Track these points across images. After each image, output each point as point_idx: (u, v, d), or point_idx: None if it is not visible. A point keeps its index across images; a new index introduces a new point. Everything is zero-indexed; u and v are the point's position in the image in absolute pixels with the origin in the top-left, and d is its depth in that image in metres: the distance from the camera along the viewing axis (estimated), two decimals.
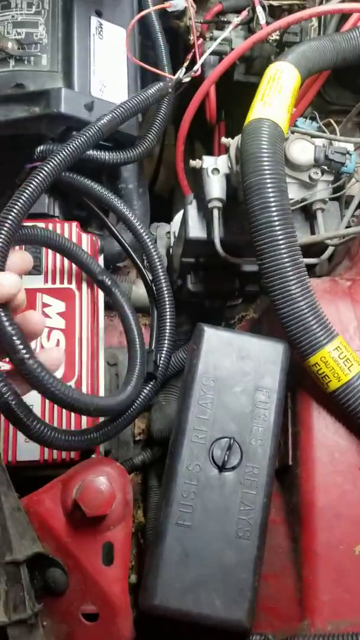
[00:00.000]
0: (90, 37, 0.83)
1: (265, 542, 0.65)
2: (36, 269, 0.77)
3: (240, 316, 1.12)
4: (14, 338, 0.54)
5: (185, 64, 1.10)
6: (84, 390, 0.74)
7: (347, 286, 0.82)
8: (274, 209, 0.70)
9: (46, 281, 0.77)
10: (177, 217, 1.08)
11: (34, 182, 0.63)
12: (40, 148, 0.78)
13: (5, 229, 0.57)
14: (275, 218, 0.70)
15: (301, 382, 0.74)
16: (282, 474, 0.77)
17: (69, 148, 0.68)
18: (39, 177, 0.63)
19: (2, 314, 0.54)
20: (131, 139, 0.83)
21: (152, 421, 0.98)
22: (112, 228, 0.90)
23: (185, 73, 1.04)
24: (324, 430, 0.73)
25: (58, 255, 0.78)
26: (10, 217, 0.58)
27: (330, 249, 0.86)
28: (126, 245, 0.90)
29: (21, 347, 0.54)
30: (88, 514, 0.62)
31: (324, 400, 0.73)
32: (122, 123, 0.76)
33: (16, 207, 0.59)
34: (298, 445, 0.74)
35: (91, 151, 0.80)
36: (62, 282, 0.77)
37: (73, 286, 0.77)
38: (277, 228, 0.70)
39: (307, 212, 0.89)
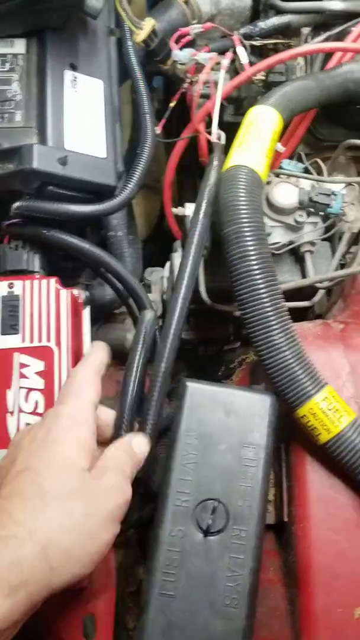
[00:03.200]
0: (65, 90, 0.82)
1: (255, 610, 0.62)
2: (13, 328, 0.75)
3: (240, 359, 1.09)
4: None
5: (172, 104, 1.10)
6: None
7: (340, 329, 0.79)
8: (253, 257, 0.68)
9: (23, 340, 0.75)
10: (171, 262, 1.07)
11: None
12: (17, 204, 0.77)
13: None
14: (255, 267, 0.68)
15: (294, 433, 0.71)
16: (278, 530, 0.73)
17: None
18: None
19: None
20: (110, 190, 0.82)
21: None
22: (105, 275, 0.89)
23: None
24: (318, 485, 0.69)
25: (35, 313, 0.76)
26: None
27: (321, 292, 0.83)
28: (120, 291, 0.88)
29: None
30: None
31: (317, 452, 0.69)
32: None
33: None
34: (293, 500, 0.70)
35: (72, 206, 0.79)
36: (40, 340, 0.75)
37: (52, 344, 0.75)
38: (258, 277, 0.68)
39: (297, 255, 0.87)
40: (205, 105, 0.98)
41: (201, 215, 0.76)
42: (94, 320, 0.88)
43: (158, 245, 1.44)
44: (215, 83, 1.05)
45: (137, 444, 0.65)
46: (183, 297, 0.72)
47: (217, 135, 0.86)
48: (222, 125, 1.16)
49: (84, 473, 0.59)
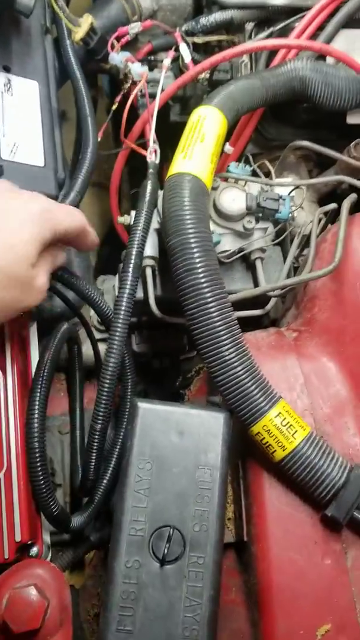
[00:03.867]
0: None
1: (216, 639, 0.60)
2: None
3: (197, 368, 1.07)
4: None
5: (114, 107, 1.07)
6: (14, 482, 0.68)
7: (293, 338, 0.78)
8: (200, 270, 0.66)
9: None
10: None
11: None
12: None
13: None
14: (203, 280, 0.65)
15: (250, 449, 0.69)
16: (239, 549, 0.72)
17: None
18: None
19: None
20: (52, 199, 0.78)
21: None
22: (54, 287, 0.84)
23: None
24: (276, 502, 0.67)
25: None
26: None
27: (273, 300, 0.81)
28: (70, 301, 0.84)
29: None
30: (15, 630, 0.56)
31: (274, 469, 0.67)
32: None
33: None
34: (251, 519, 0.68)
35: None
36: None
37: None
38: (206, 290, 0.65)
39: (247, 262, 0.85)
40: (142, 116, 0.95)
41: (136, 240, 0.75)
42: (46, 334, 0.84)
43: (115, 246, 1.41)
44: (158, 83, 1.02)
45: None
46: (123, 321, 0.72)
47: (152, 149, 0.83)
48: (168, 125, 1.14)
49: None
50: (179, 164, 0.73)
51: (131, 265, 0.73)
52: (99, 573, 0.95)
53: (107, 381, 0.70)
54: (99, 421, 0.70)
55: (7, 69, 0.80)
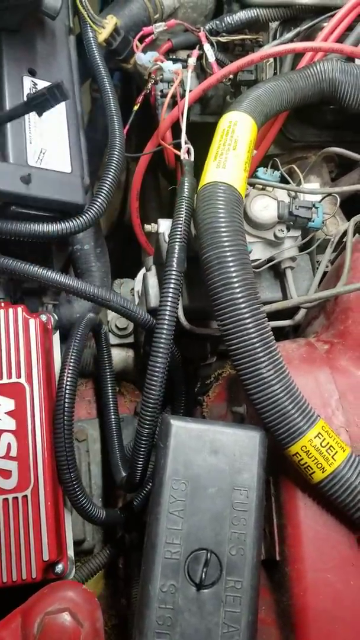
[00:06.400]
0: (24, 99, 0.75)
1: None
2: None
3: (216, 374, 1.06)
4: None
5: (135, 108, 1.04)
6: (41, 500, 0.66)
7: (325, 351, 0.76)
8: (236, 285, 0.64)
9: None
10: (141, 274, 1.02)
11: None
12: None
13: None
14: (239, 295, 0.64)
15: (284, 468, 0.67)
16: (270, 568, 0.70)
17: None
18: None
19: None
20: (77, 208, 0.76)
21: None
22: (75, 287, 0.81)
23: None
24: (311, 523, 0.65)
25: (3, 347, 0.70)
26: None
27: (303, 311, 0.79)
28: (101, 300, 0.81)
29: None
30: None
31: (309, 488, 0.66)
32: None
33: None
34: (285, 539, 0.67)
35: (36, 226, 0.73)
36: (9, 376, 0.69)
37: (22, 380, 0.69)
38: (243, 306, 0.63)
39: (276, 270, 0.83)
40: (171, 114, 0.92)
41: (176, 253, 0.72)
42: (62, 340, 0.83)
43: (118, 240, 1.39)
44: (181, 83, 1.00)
45: None
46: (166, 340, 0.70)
47: (185, 149, 0.81)
48: (188, 125, 1.11)
49: None
50: (212, 173, 0.71)
51: (175, 260, 0.71)
52: (116, 584, 0.94)
53: (155, 386, 0.69)
54: (146, 426, 0.70)
55: (32, 73, 0.78)
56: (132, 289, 1.05)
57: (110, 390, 0.91)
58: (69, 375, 0.72)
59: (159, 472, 0.63)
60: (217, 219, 0.66)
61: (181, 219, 0.73)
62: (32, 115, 0.76)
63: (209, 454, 0.63)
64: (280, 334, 0.90)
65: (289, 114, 1.03)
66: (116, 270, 1.06)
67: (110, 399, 0.91)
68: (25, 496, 0.67)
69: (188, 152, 0.82)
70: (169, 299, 0.69)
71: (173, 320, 0.69)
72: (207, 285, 0.66)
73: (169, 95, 0.88)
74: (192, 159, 0.82)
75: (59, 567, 0.69)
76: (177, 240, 0.72)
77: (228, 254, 0.64)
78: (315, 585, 0.63)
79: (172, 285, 0.70)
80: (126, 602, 0.89)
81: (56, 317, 0.80)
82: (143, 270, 1.00)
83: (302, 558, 0.64)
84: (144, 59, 0.93)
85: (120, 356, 1.06)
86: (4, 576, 0.65)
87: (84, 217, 0.76)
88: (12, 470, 0.67)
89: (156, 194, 1.37)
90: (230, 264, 0.64)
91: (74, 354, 0.74)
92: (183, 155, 0.81)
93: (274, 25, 1.04)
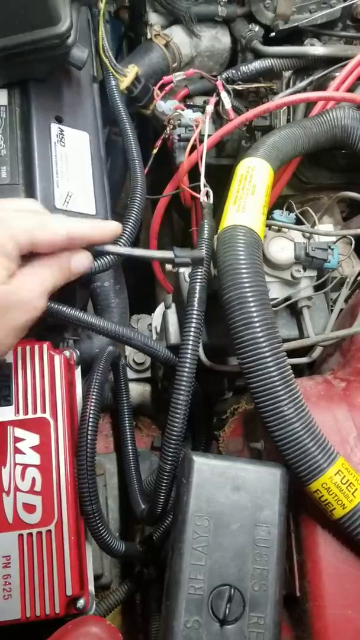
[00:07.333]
0: (52, 145, 0.79)
1: None
2: (5, 399, 0.71)
3: (232, 409, 1.07)
4: None
5: (154, 151, 1.08)
6: (65, 534, 0.68)
7: (342, 388, 0.77)
8: (257, 325, 0.66)
9: (17, 412, 0.71)
10: (158, 310, 1.04)
11: None
12: None
13: None
14: (260, 335, 0.66)
15: (303, 503, 0.69)
16: (290, 604, 0.70)
17: None
18: None
19: None
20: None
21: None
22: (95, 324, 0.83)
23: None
24: (331, 559, 0.66)
25: (29, 382, 0.72)
26: None
27: (320, 349, 0.81)
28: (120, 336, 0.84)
29: None
30: None
31: (329, 524, 0.67)
32: None
33: None
34: (304, 575, 0.67)
35: None
36: (34, 411, 0.71)
37: (47, 415, 0.71)
38: (264, 345, 0.65)
39: (293, 309, 0.85)
40: (189, 159, 0.96)
41: (197, 294, 0.75)
42: (83, 374, 0.85)
43: (130, 268, 1.42)
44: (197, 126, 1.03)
45: (78, 260, 0.68)
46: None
47: (204, 192, 0.84)
48: (205, 167, 1.15)
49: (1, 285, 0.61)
50: (232, 217, 0.74)
51: (196, 300, 0.74)
52: (134, 618, 0.94)
53: (178, 423, 0.71)
54: (168, 462, 0.71)
55: (59, 120, 0.81)
56: (150, 324, 1.07)
57: (127, 423, 0.93)
58: (92, 409, 0.74)
59: (182, 509, 0.64)
60: (238, 260, 0.69)
61: (201, 268, 0.75)
62: (59, 159, 0.79)
63: (231, 491, 0.65)
64: (296, 371, 0.92)
65: (302, 157, 1.06)
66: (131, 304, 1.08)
67: (128, 431, 0.92)
68: (49, 531, 0.68)
69: (207, 194, 0.85)
70: (191, 337, 0.72)
71: (195, 358, 0.71)
72: (228, 324, 0.68)
73: (191, 142, 0.91)
74: (211, 201, 0.85)
75: (81, 602, 0.70)
76: (198, 280, 0.74)
77: (249, 294, 0.67)
78: (335, 621, 0.64)
79: (193, 324, 0.72)
80: (144, 638, 0.89)
81: (78, 353, 0.82)
82: (160, 307, 1.02)
83: (322, 594, 0.65)
84: (164, 106, 0.97)
85: (137, 390, 1.07)
86: (27, 611, 0.65)
87: (107, 257, 0.79)
88: (36, 505, 0.68)
89: (170, 231, 1.41)
90: (252, 304, 0.66)
91: (96, 387, 0.76)
92: (202, 197, 0.84)
93: (287, 74, 1.09)
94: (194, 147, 0.99)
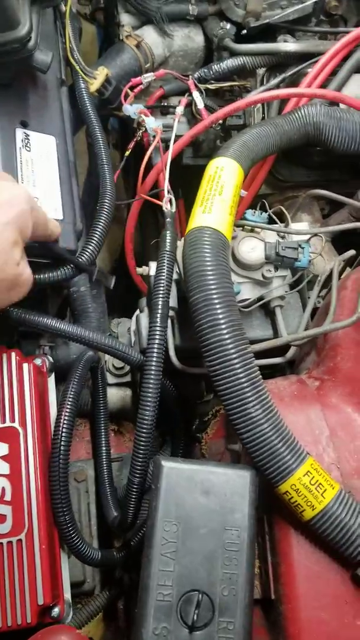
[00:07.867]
0: (17, 150, 0.78)
1: None
2: None
3: (214, 411, 1.06)
4: None
5: (127, 153, 1.07)
6: (35, 543, 0.67)
7: (316, 387, 0.77)
8: (224, 327, 0.65)
9: None
10: (136, 314, 1.03)
11: None
12: None
13: None
14: (227, 336, 0.65)
15: (277, 506, 0.68)
16: (266, 608, 0.70)
17: None
18: None
19: None
20: (70, 253, 0.78)
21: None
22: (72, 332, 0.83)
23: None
24: (304, 561, 0.66)
25: None
26: None
27: (294, 348, 0.81)
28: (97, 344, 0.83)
29: None
30: None
31: (302, 527, 0.66)
32: None
33: None
34: (279, 578, 0.67)
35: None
36: (3, 420, 0.71)
37: (16, 424, 0.71)
38: (230, 347, 0.65)
39: (267, 308, 0.84)
40: (156, 166, 0.95)
41: (161, 292, 0.75)
42: (60, 381, 0.84)
43: (120, 275, 1.41)
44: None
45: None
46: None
47: (167, 199, 0.83)
48: (181, 168, 1.15)
49: None
50: (198, 218, 0.73)
51: (159, 316, 0.73)
52: (116, 625, 0.94)
53: (144, 435, 0.70)
54: (137, 475, 0.71)
55: (24, 125, 0.81)
56: (129, 328, 1.06)
57: (103, 429, 0.92)
58: (66, 417, 0.73)
59: (151, 514, 0.64)
60: (204, 262, 0.68)
61: (163, 274, 0.77)
62: (24, 164, 0.79)
63: (200, 495, 0.64)
64: (276, 370, 0.91)
65: (278, 155, 1.06)
66: (121, 305, 1.08)
67: (103, 438, 0.91)
68: (20, 540, 0.67)
69: (170, 202, 0.84)
70: (155, 347, 0.72)
71: (160, 364, 0.71)
72: (194, 326, 0.67)
73: (147, 155, 0.90)
74: (174, 209, 0.85)
75: (55, 611, 0.70)
76: (161, 295, 0.76)
77: (215, 296, 0.66)
78: (309, 624, 0.63)
79: (157, 334, 0.73)
80: None
81: (51, 360, 0.82)
82: (138, 311, 1.02)
83: (296, 596, 0.64)
84: (130, 110, 0.96)
85: (117, 395, 1.07)
86: None
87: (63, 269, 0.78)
88: (6, 515, 0.68)
89: (156, 232, 1.40)
90: (217, 306, 0.66)
91: (71, 395, 0.76)
92: (165, 205, 0.84)
93: (261, 71, 1.08)
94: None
